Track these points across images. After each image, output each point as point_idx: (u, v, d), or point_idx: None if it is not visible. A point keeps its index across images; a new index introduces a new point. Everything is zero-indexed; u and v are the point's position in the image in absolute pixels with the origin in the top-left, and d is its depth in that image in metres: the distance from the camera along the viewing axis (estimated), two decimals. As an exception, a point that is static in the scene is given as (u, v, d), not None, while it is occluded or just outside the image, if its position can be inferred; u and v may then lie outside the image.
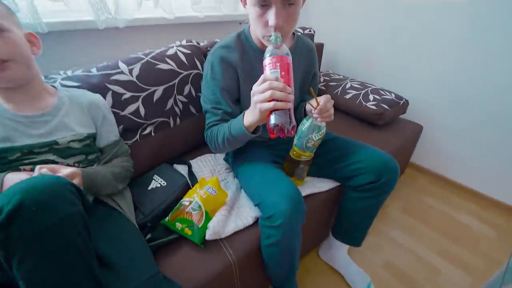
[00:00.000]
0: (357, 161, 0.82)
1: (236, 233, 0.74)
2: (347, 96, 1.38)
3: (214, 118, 0.79)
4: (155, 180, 0.83)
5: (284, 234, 0.66)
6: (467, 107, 1.32)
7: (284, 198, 0.66)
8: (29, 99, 0.64)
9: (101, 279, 0.49)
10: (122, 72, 0.86)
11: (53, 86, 0.72)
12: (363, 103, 1.32)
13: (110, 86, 0.83)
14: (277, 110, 0.56)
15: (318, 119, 0.71)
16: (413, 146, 1.45)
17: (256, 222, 0.77)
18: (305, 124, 0.75)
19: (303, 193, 0.85)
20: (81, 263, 0.46)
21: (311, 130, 0.74)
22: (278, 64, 0.57)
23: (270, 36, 0.61)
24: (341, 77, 1.54)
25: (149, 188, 0.81)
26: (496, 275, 0.74)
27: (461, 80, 1.30)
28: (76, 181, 0.59)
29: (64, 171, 0.58)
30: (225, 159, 1.00)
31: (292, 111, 0.57)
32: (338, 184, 0.92)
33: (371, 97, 1.33)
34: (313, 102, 0.71)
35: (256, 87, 0.58)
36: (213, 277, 0.66)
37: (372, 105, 1.29)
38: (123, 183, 0.77)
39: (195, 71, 1.01)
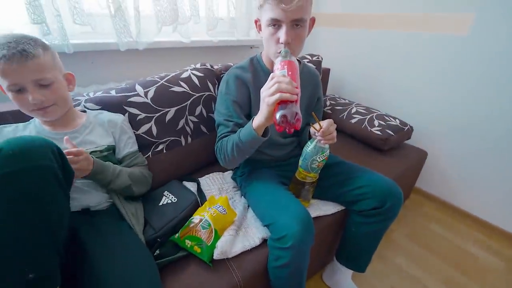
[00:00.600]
0: (361, 186, 0.84)
1: (243, 253, 0.75)
2: (353, 121, 1.42)
3: (226, 130, 0.83)
4: (165, 196, 0.85)
5: (294, 255, 0.67)
6: (472, 134, 1.35)
7: (295, 220, 0.68)
8: (64, 123, 0.75)
9: (64, 259, 0.50)
10: (138, 95, 0.92)
11: (84, 111, 0.82)
12: (368, 128, 1.35)
13: (126, 108, 0.89)
14: (283, 103, 0.60)
15: (322, 141, 0.75)
16: (418, 171, 1.46)
17: (262, 243, 0.78)
18: (310, 146, 0.79)
19: (313, 216, 0.87)
20: (43, 224, 0.48)
21: (315, 152, 0.78)
22: (286, 66, 0.64)
23: (280, 52, 0.68)
24: (347, 101, 1.59)
25: (160, 204, 0.83)
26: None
27: (466, 107, 1.33)
28: (82, 159, 0.63)
29: (73, 149, 0.63)
30: (233, 178, 1.03)
31: (298, 105, 0.60)
32: (343, 208, 0.93)
33: (376, 122, 1.36)
34: (316, 125, 0.76)
35: (265, 86, 0.63)
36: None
37: (377, 130, 1.32)
38: (137, 187, 0.80)
39: (207, 93, 1.06)
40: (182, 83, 1.01)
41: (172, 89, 0.98)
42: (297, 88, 0.60)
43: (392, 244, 1.28)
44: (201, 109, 1.06)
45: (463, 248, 1.29)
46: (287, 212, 0.71)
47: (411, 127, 1.41)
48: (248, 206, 0.91)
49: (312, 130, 0.80)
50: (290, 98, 0.58)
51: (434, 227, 1.41)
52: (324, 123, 0.74)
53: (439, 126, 1.45)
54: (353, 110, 1.48)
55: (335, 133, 0.76)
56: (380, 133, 1.31)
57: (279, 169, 0.96)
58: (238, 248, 0.74)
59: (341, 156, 1.01)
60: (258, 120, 0.69)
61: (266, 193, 0.82)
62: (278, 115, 0.60)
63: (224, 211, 0.77)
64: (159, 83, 0.97)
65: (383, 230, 0.87)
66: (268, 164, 0.96)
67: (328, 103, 1.60)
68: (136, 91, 0.92)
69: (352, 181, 0.87)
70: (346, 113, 1.48)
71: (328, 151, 0.79)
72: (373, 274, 1.13)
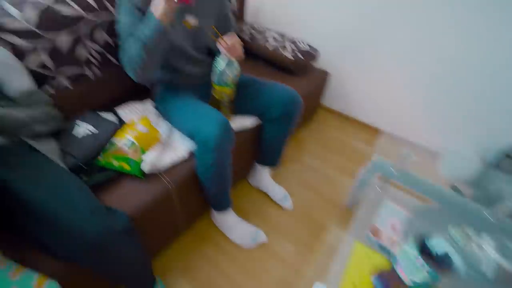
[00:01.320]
0: (269, 97, 0.99)
1: (173, 166, 0.85)
2: (269, 46, 1.52)
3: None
4: (81, 126, 0.82)
5: (217, 156, 0.80)
6: (361, 55, 1.62)
7: (216, 125, 0.79)
8: None
9: None
10: (14, 18, 0.76)
11: None
12: (282, 53, 1.48)
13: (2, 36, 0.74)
14: None
15: (227, 54, 0.82)
16: (322, 90, 1.73)
17: (190, 156, 0.89)
18: (219, 60, 0.87)
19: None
20: None
21: (224, 66, 0.86)
22: None
23: None
24: (265, 28, 1.65)
25: (80, 137, 0.81)
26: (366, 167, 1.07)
27: (359, 31, 1.56)
28: None
29: None
30: (155, 107, 1.05)
31: None
32: (259, 121, 1.09)
33: (288, 47, 1.49)
34: (221, 41, 0.82)
35: None
36: (153, 202, 0.77)
37: (290, 54, 1.46)
38: (45, 125, 0.75)
39: (106, 12, 0.95)
40: (70, 2, 0.87)
41: (58, 8, 0.83)
42: None
43: (302, 150, 1.60)
44: (105, 35, 0.96)
45: (353, 145, 1.70)
46: (208, 120, 0.81)
47: (317, 50, 1.60)
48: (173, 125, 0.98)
49: (218, 45, 0.85)
50: None
51: (335, 134, 1.77)
52: (228, 39, 0.80)
53: (338, 48, 1.68)
54: (269, 36, 1.56)
55: (240, 49, 0.83)
56: (292, 57, 1.45)
57: (197, 90, 1.02)
58: (167, 162, 0.83)
59: (254, 75, 1.12)
60: (155, 5, 0.69)
61: (187, 109, 0.89)
62: None
63: (146, 130, 0.83)
64: (40, 2, 0.82)
65: (289, 131, 1.08)
66: (185, 86, 1.00)
67: (247, 31, 1.62)
68: (11, 14, 0.76)
69: (261, 93, 1.01)
70: (263, 40, 1.55)
71: (237, 65, 0.88)
72: (288, 172, 1.42)
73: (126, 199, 0.74)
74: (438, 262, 0.39)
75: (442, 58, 1.37)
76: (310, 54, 1.52)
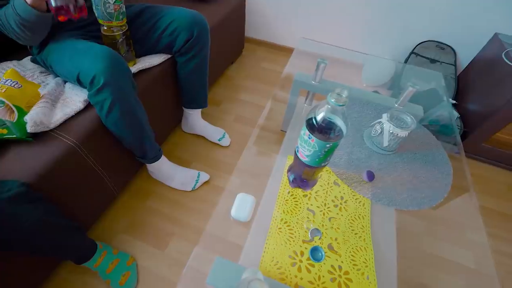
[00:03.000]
0: (170, 23, 0.87)
1: (68, 121, 0.73)
2: (167, -29, 1.29)
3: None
4: None
5: (114, 92, 0.68)
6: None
7: (99, 58, 0.67)
8: None
9: None
10: None
11: None
12: (184, -24, 1.28)
13: None
14: None
15: None
16: (242, 19, 1.60)
17: (89, 106, 0.77)
18: None
19: (135, 70, 0.88)
20: None
21: None
22: None
23: None
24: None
25: None
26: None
27: None
28: None
29: None
30: (33, 60, 0.85)
31: None
32: (168, 56, 0.97)
33: (190, -31, 1.29)
34: None
35: None
36: (56, 163, 0.66)
37: (192, -23, 1.27)
38: None
39: None
40: None
41: None
42: None
43: (234, 86, 1.54)
44: None
45: (281, 71, 1.69)
46: (89, 55, 0.68)
47: (226, -30, 1.42)
48: (63, 81, 0.82)
49: None
50: None
51: (264, 64, 1.73)
52: None
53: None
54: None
55: None
56: (196, -20, 1.27)
57: (83, 30, 0.84)
58: (59, 117, 0.71)
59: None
60: None
61: (66, 49, 0.73)
62: (53, 5, 0.55)
63: (18, 84, 0.67)
64: None
65: (204, 61, 0.98)
66: (69, 26, 0.81)
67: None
68: None
69: (160, 22, 0.87)
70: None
71: None
72: (222, 111, 1.38)
73: (15, 166, 0.62)
74: (324, 131, 0.40)
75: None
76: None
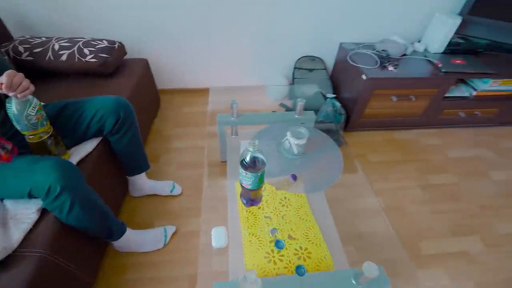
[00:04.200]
0: (95, 113, 0.96)
1: (28, 235, 0.75)
2: (63, 58, 1.34)
3: None
4: None
5: (71, 193, 0.74)
6: (165, 32, 1.71)
7: (48, 169, 0.72)
8: None
9: None
10: None
11: None
12: (82, 59, 1.35)
13: None
14: None
15: (18, 96, 0.72)
16: (151, 79, 1.75)
17: (45, 212, 0.80)
18: (11, 107, 0.74)
19: (75, 162, 0.94)
20: None
21: (21, 109, 0.74)
22: None
23: None
24: (44, 39, 1.41)
25: None
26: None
27: (160, 13, 1.61)
28: None
29: None
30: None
31: None
32: (99, 138, 1.05)
33: (86, 50, 1.37)
34: None
35: None
36: (32, 279, 0.68)
37: (91, 58, 1.36)
38: None
39: None
40: None
41: None
42: None
43: (164, 139, 1.67)
44: None
45: (203, 111, 1.90)
46: (37, 170, 0.73)
47: (121, 42, 1.55)
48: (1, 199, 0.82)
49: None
50: None
51: (185, 110, 1.90)
52: (3, 78, 0.70)
53: (143, 32, 1.69)
54: (56, 47, 1.36)
55: (25, 82, 0.73)
56: (96, 59, 1.36)
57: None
58: (18, 235, 0.73)
59: (67, 98, 1.02)
60: None
61: (5, 171, 0.76)
62: None
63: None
64: None
65: (136, 133, 1.10)
66: None
67: (21, 49, 1.34)
68: None
69: (85, 114, 0.96)
70: (50, 53, 1.34)
71: (35, 100, 0.78)
72: (163, 165, 1.49)
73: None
74: (253, 166, 0.62)
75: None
76: (114, 50, 1.46)
